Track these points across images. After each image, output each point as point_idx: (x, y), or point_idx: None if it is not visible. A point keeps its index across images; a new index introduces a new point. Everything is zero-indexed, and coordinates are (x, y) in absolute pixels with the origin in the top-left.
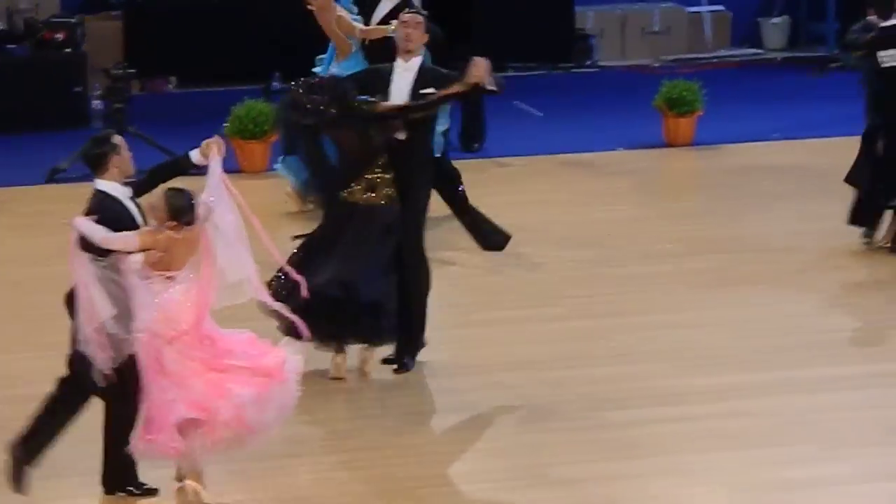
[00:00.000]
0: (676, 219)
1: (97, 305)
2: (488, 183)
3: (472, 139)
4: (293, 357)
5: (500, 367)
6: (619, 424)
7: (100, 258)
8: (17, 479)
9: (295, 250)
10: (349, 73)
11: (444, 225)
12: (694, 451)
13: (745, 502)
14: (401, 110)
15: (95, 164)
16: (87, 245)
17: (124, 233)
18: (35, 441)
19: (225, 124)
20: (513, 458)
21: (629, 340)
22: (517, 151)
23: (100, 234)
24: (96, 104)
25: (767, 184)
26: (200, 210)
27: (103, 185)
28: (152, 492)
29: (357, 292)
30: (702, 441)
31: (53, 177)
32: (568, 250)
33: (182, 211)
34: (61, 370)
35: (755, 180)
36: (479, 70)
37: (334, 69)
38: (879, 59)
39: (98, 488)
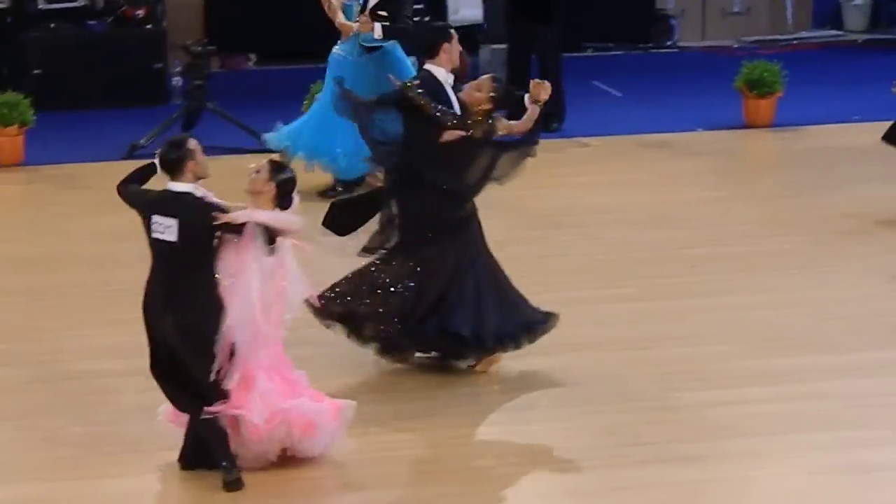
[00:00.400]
0: (754, 200)
1: (288, 294)
2: (567, 163)
3: (551, 119)
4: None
5: (573, 348)
6: (694, 406)
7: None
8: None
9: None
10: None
11: (512, 207)
12: (770, 432)
13: (821, 485)
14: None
15: (172, 168)
16: (269, 236)
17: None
18: None
19: (304, 101)
20: (589, 438)
21: (704, 321)
22: (596, 131)
23: (293, 219)
24: (176, 81)
25: (847, 166)
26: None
27: (178, 187)
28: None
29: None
30: (778, 423)
31: (133, 153)
32: (644, 231)
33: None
34: (136, 347)
35: (835, 162)
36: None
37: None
38: None
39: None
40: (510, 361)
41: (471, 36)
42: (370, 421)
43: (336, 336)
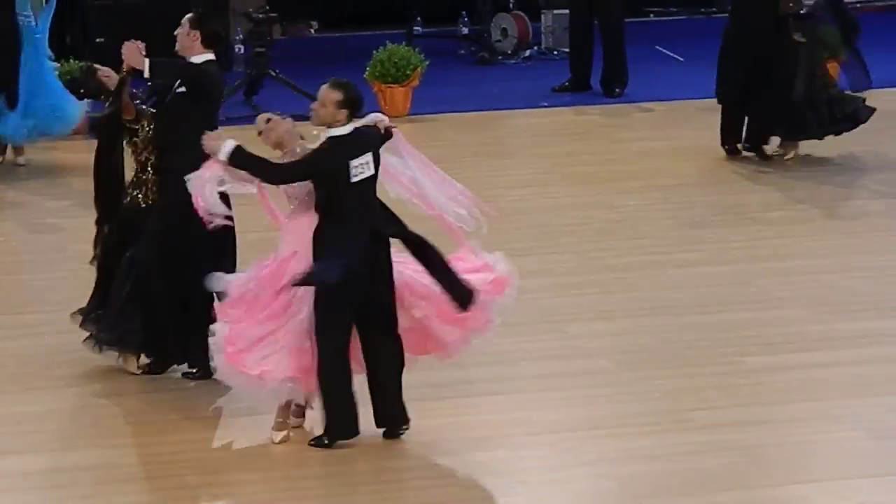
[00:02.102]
0: (818, 164)
1: None
2: (630, 128)
3: (613, 84)
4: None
5: (637, 313)
6: (758, 370)
7: None
8: None
9: None
10: None
11: (576, 173)
12: (836, 396)
13: (889, 449)
14: None
15: (359, 105)
16: None
17: None
18: None
19: (367, 68)
20: (652, 402)
21: (768, 285)
22: (658, 96)
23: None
24: (238, 48)
25: None
26: None
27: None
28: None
29: None
30: (844, 387)
31: None
32: (708, 195)
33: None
34: None
35: (893, 125)
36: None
37: None
38: None
39: None
40: (573, 325)
41: (532, 2)
42: (435, 386)
43: None
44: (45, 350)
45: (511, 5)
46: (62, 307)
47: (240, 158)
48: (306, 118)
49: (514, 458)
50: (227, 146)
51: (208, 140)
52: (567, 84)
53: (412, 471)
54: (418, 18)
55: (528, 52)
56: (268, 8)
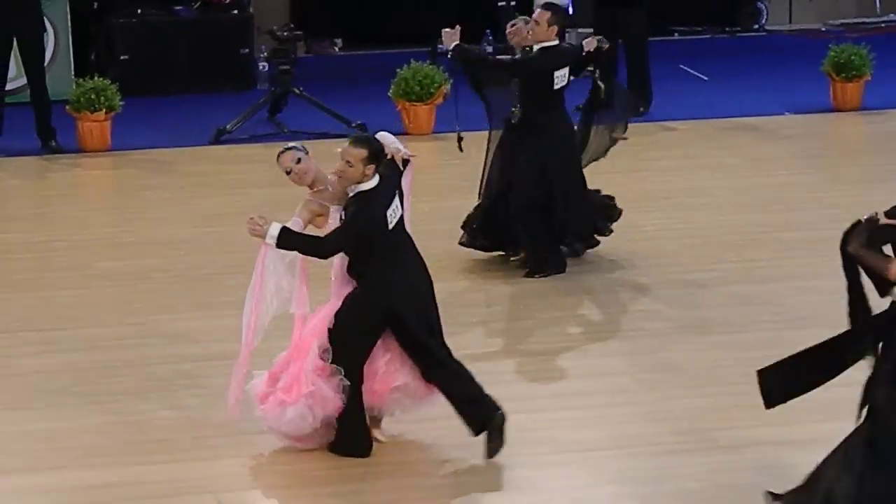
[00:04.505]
0: (843, 184)
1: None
2: (654, 146)
3: (638, 103)
4: None
5: (661, 331)
6: None
7: None
8: None
9: None
10: None
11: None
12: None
13: None
14: None
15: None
16: None
17: None
18: None
19: (391, 86)
20: (677, 422)
21: (792, 305)
22: (683, 115)
23: None
24: (262, 66)
25: None
26: None
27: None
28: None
29: None
30: None
31: (219, 138)
32: (732, 214)
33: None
34: (224, 330)
35: None
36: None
37: None
38: None
39: None
40: (593, 344)
41: None
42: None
43: None
44: (69, 367)
45: None
46: (85, 324)
47: (287, 240)
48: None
49: (538, 477)
50: (274, 229)
51: (252, 225)
52: None
53: (435, 489)
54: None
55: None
56: (292, 26)
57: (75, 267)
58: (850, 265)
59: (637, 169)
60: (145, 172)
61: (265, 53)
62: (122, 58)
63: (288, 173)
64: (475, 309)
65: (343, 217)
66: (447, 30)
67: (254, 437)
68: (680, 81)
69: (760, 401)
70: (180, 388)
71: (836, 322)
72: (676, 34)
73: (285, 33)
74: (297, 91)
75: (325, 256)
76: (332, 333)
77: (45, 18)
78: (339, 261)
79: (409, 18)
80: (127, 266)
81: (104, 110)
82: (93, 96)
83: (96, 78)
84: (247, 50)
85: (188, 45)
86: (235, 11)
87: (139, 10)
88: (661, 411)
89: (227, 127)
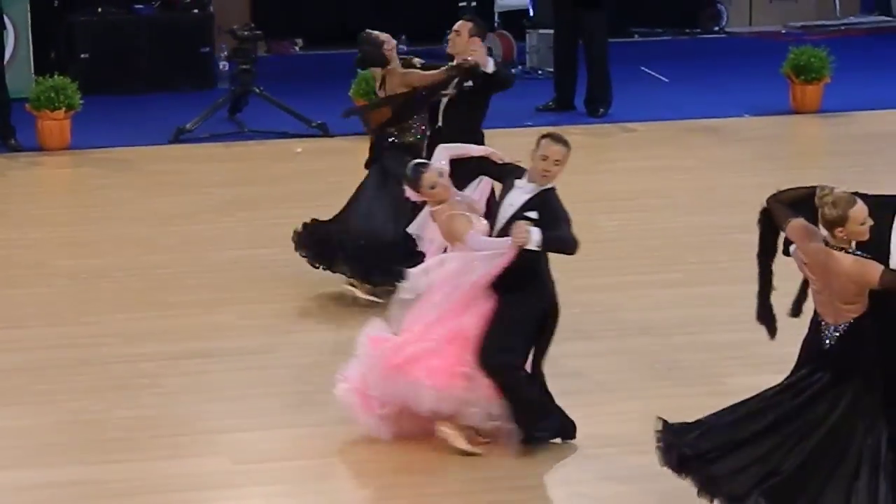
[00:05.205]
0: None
1: None
2: (614, 148)
3: (597, 104)
4: None
5: (620, 333)
6: (742, 390)
7: None
8: None
9: None
10: None
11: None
12: None
13: None
14: None
15: None
16: None
17: None
18: None
19: (352, 85)
20: (636, 424)
21: (752, 306)
22: (643, 117)
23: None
24: (223, 65)
25: (894, 152)
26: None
27: None
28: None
29: None
30: None
31: (179, 137)
32: (692, 216)
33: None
34: (183, 329)
35: (883, 148)
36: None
37: None
38: None
39: None
40: (554, 347)
41: (517, 21)
42: None
43: None
44: (27, 365)
45: (496, 24)
46: (43, 322)
47: (548, 241)
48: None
49: (486, 478)
50: (536, 235)
51: (518, 233)
52: (551, 104)
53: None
54: (403, 37)
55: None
56: (253, 25)
57: (34, 265)
58: (765, 217)
59: (597, 170)
60: (105, 171)
61: (226, 52)
62: (82, 56)
63: (432, 188)
64: None
65: (538, 216)
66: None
67: (213, 436)
68: (640, 83)
69: (720, 401)
70: (138, 387)
71: (794, 323)
72: (637, 36)
73: (246, 32)
74: (258, 90)
75: (575, 251)
76: (512, 328)
77: (4, 16)
78: (483, 260)
79: (370, 18)
80: (85, 265)
81: (64, 109)
82: (52, 94)
83: (56, 76)
84: (207, 49)
85: (148, 43)
86: (196, 10)
87: (99, 9)
88: (618, 413)
89: (187, 126)
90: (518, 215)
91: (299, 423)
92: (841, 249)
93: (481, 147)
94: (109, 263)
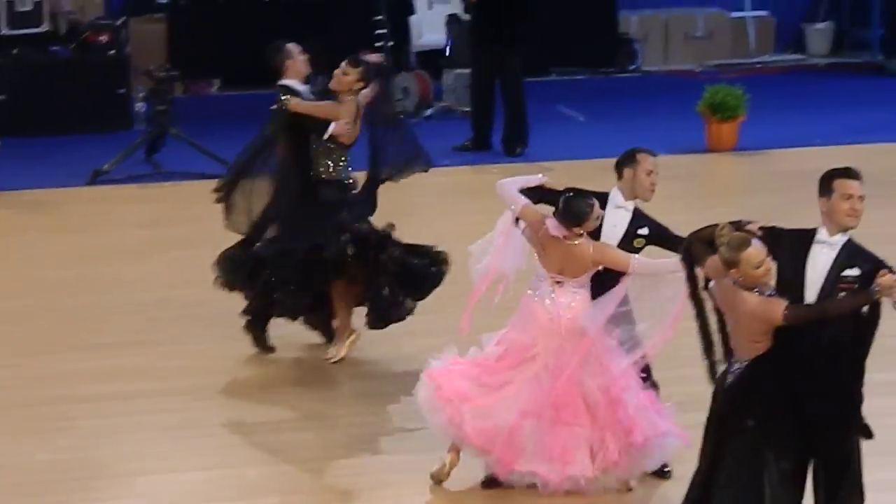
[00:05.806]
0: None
1: None
2: None
3: (514, 143)
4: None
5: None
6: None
7: None
8: None
9: None
10: None
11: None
12: None
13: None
14: None
15: None
16: None
17: None
18: None
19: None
20: None
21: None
22: (559, 156)
23: None
24: (139, 106)
25: (811, 189)
26: None
27: None
28: None
29: None
30: None
31: (96, 178)
32: None
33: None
34: (103, 371)
35: (798, 185)
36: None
37: None
38: None
39: None
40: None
41: (434, 60)
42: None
43: None
44: None
45: (413, 64)
46: None
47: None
48: (208, 176)
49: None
50: None
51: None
52: (468, 143)
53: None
54: (319, 78)
55: (429, 111)
56: (169, 66)
57: None
58: (687, 254)
59: None
60: (22, 213)
61: (142, 93)
62: None
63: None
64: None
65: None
66: None
67: (131, 478)
68: (557, 122)
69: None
70: (56, 430)
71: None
72: (554, 74)
73: (162, 73)
74: (175, 131)
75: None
76: None
77: None
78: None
79: None
80: (3, 307)
81: None
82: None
83: None
84: (124, 90)
85: (65, 84)
86: (112, 51)
87: (15, 50)
88: None
89: (104, 167)
90: (631, 233)
91: (216, 465)
92: (753, 289)
93: (536, 176)
94: (28, 305)
